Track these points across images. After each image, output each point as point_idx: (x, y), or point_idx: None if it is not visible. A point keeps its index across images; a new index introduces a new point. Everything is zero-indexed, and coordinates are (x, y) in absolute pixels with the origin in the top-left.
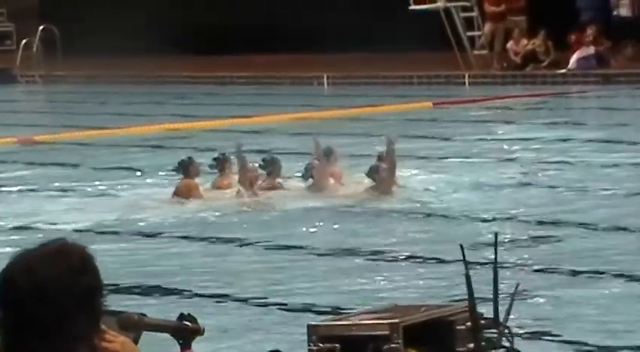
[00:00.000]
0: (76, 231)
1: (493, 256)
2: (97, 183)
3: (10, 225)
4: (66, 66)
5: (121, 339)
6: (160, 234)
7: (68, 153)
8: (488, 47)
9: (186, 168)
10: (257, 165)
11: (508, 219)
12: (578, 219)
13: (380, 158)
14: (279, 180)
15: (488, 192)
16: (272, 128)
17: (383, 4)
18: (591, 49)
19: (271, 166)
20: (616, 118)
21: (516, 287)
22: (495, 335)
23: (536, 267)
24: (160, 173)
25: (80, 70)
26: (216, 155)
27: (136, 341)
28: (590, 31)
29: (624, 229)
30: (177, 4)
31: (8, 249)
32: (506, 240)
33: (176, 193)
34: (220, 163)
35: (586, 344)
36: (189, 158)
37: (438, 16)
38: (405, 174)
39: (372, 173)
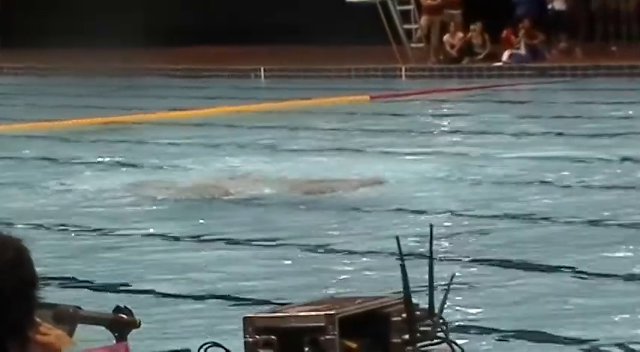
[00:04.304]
0: (7, 224)
1: (428, 248)
2: (33, 175)
3: None
4: (3, 57)
5: (56, 332)
6: (94, 227)
7: (3, 145)
8: (424, 40)
9: None
10: None
11: (444, 211)
12: (513, 212)
13: None
14: None
15: (424, 185)
16: (209, 121)
17: None
18: (522, 50)
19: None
20: (551, 111)
21: (451, 278)
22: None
23: (471, 258)
24: (97, 165)
25: (19, 62)
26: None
27: (70, 334)
28: (522, 30)
29: (557, 221)
30: None
31: None
32: (442, 232)
33: None
34: None
35: (521, 333)
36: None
37: (375, 9)
38: (342, 167)
39: None
